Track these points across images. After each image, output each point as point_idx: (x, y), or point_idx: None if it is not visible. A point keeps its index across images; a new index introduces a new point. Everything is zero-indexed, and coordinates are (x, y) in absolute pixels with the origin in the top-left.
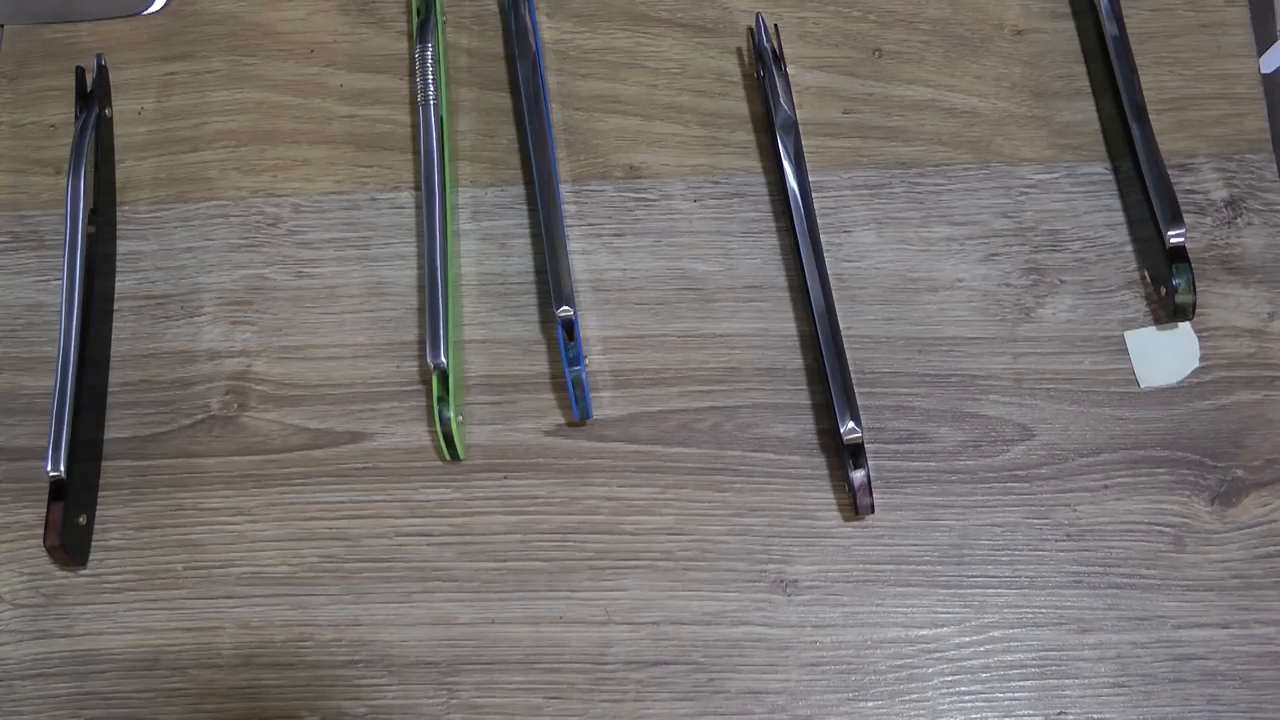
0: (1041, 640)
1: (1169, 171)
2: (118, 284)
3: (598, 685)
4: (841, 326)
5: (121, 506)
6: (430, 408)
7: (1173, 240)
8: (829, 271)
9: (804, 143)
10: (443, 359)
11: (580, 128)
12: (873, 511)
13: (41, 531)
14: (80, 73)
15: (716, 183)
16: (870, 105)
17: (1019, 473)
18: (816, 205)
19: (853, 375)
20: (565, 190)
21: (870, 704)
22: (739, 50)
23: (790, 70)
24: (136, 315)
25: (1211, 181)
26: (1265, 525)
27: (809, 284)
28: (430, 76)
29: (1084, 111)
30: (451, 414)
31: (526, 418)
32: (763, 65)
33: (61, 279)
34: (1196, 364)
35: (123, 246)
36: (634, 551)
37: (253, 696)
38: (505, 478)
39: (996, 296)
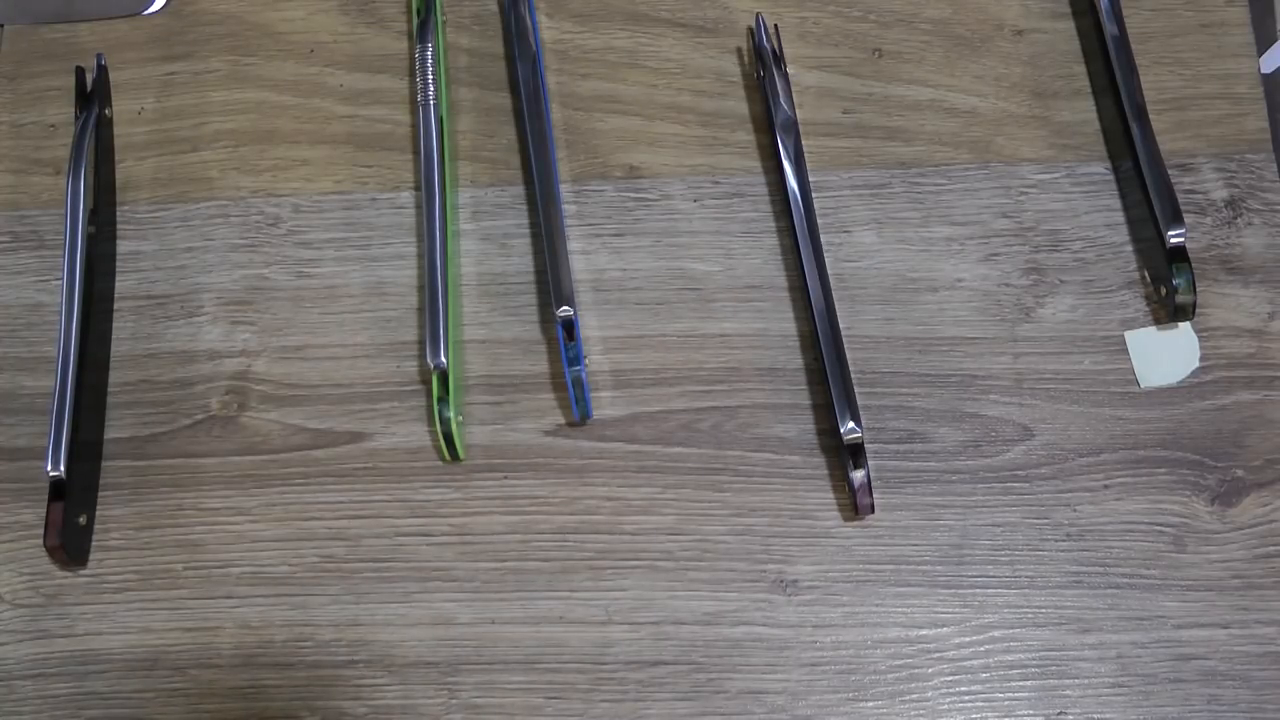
0: (1041, 640)
1: (1169, 171)
2: (118, 284)
3: (598, 685)
4: (841, 326)
5: (121, 506)
6: (430, 408)
7: (1173, 240)
8: (829, 271)
9: (804, 143)
10: (443, 359)
11: (580, 128)
12: (873, 511)
13: (41, 531)
14: (80, 73)
15: (716, 183)
16: (870, 105)
17: (1019, 473)
18: (816, 205)
19: (853, 375)
20: (565, 190)
21: (870, 704)
22: (739, 50)
23: (790, 70)
24: (136, 315)
25: (1211, 181)
26: (1265, 525)
27: (809, 284)
28: (430, 76)
29: (1084, 111)
30: (451, 414)
31: (526, 418)
32: (763, 65)
33: (61, 279)
34: (1196, 364)
35: (123, 246)
36: (634, 551)
37: (253, 696)
38: (505, 478)
39: (996, 296)
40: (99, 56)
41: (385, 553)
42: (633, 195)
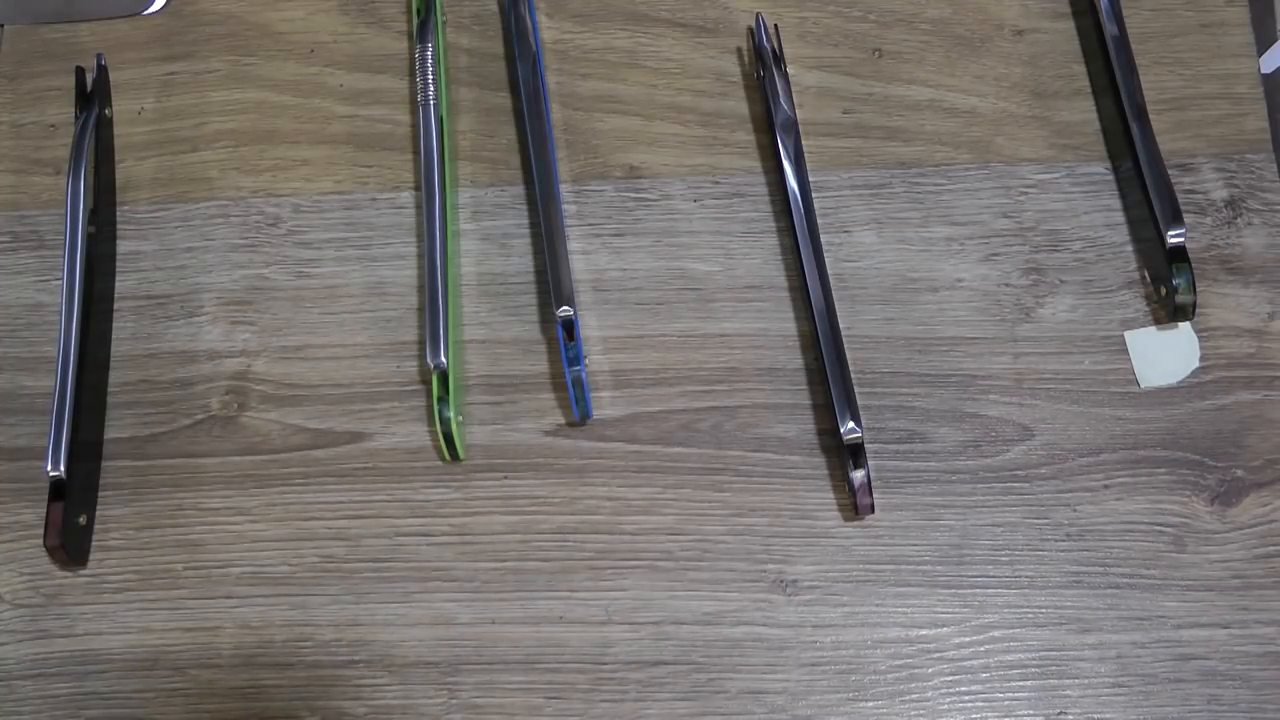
0: (1041, 640)
1: (1169, 171)
2: (118, 284)
3: (598, 685)
4: (841, 326)
5: (121, 506)
6: (430, 408)
7: (1173, 240)
8: (829, 271)
9: (804, 143)
10: (443, 359)
11: (580, 128)
12: (873, 511)
13: (41, 531)
14: (80, 73)
15: (716, 183)
16: (870, 105)
17: (1019, 473)
18: (816, 205)
19: (853, 375)
20: (565, 190)
21: (870, 704)
22: (739, 50)
23: (790, 70)
24: (136, 315)
25: (1211, 181)
26: (1265, 525)
27: (809, 284)
28: (430, 76)
29: (1084, 111)
30: (451, 414)
31: (526, 418)
32: (763, 65)
33: (61, 279)
34: (1196, 364)
35: (123, 246)
36: (634, 551)
37: (253, 696)
38: (505, 478)
39: (996, 296)
40: (99, 56)
41: (385, 553)
42: (633, 195)
